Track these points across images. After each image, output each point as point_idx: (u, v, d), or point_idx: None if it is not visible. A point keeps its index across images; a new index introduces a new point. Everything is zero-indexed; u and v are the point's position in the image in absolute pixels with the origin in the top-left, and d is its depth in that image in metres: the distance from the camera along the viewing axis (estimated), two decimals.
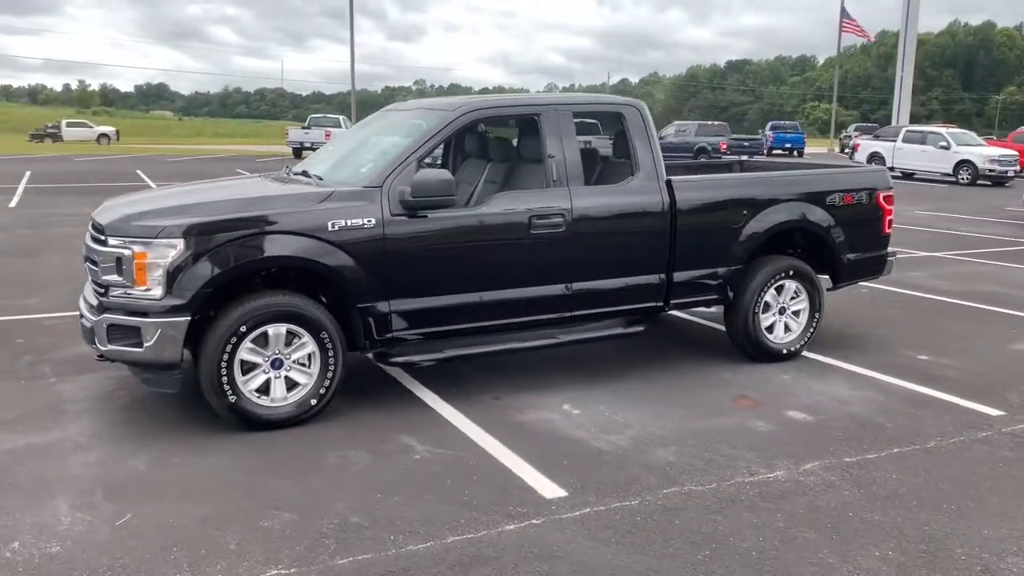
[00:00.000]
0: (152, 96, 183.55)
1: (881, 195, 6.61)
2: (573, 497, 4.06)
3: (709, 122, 34.02)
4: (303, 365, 4.91)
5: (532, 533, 3.70)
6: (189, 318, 4.60)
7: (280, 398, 4.87)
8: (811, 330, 6.45)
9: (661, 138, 33.33)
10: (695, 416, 5.20)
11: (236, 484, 4.17)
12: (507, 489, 4.13)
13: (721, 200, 5.99)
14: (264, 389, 4.84)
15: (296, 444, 4.66)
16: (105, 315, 4.71)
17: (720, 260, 6.01)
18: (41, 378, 5.74)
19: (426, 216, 5.08)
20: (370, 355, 5.29)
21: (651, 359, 6.45)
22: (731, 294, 6.16)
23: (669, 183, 5.81)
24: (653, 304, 5.89)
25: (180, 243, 4.58)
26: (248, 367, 4.79)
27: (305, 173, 5.60)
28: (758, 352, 6.28)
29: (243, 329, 4.68)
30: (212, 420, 4.85)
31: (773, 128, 46.80)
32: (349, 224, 4.87)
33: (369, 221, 4.92)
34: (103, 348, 4.74)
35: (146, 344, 4.60)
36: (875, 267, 6.79)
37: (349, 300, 4.96)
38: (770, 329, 6.32)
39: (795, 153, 45.18)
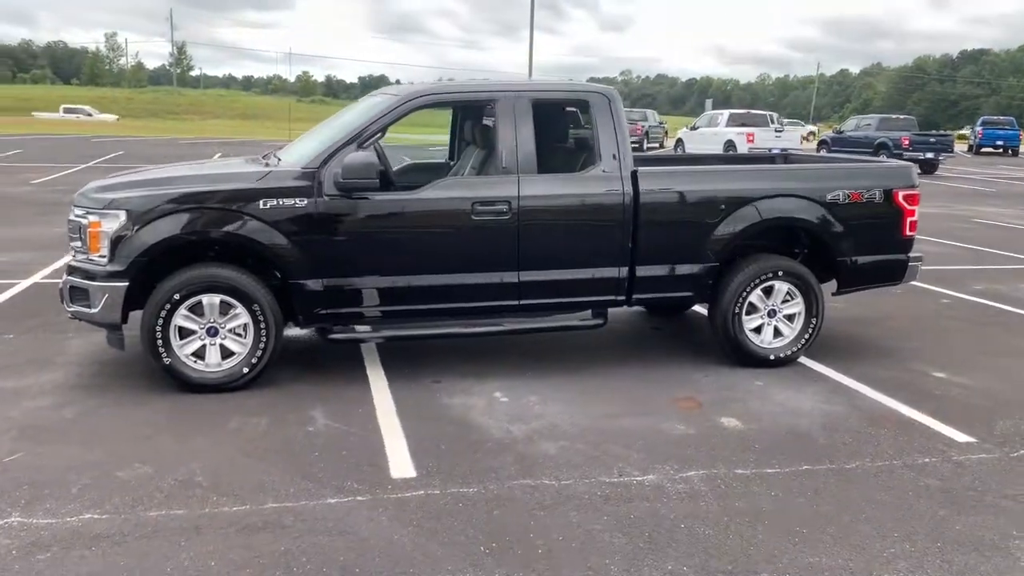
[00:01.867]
0: (373, 86, 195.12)
1: (900, 193, 6.01)
2: (418, 480, 4.09)
3: (893, 116, 31.49)
4: (239, 335, 5.22)
5: (346, 508, 3.79)
6: (127, 284, 5.03)
7: (214, 364, 5.20)
8: (807, 336, 5.99)
9: (839, 132, 31.47)
10: (617, 413, 5.04)
11: (132, 436, 4.54)
12: (362, 466, 4.23)
13: (693, 193, 5.70)
14: (201, 354, 5.20)
15: (214, 407, 4.98)
16: (68, 277, 5.25)
17: (692, 256, 5.73)
18: (59, 332, 6.43)
19: (367, 198, 5.23)
20: (311, 330, 5.52)
21: (625, 353, 6.27)
22: (707, 293, 5.87)
23: (634, 174, 5.60)
24: (612, 298, 5.71)
25: (123, 214, 5.02)
26: (186, 333, 5.16)
27: (275, 155, 5.90)
28: (740, 355, 5.93)
29: (177, 297, 5.05)
30: (163, 380, 5.25)
31: (984, 124, 42.70)
32: (281, 204, 5.12)
33: (301, 201, 5.14)
34: (68, 308, 5.28)
35: (94, 306, 5.08)
36: (891, 272, 6.19)
37: (283, 276, 5.21)
38: (758, 331, 5.95)
39: (1008, 152, 41.08)
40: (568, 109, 6.26)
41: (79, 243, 5.21)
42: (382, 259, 5.32)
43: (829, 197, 5.87)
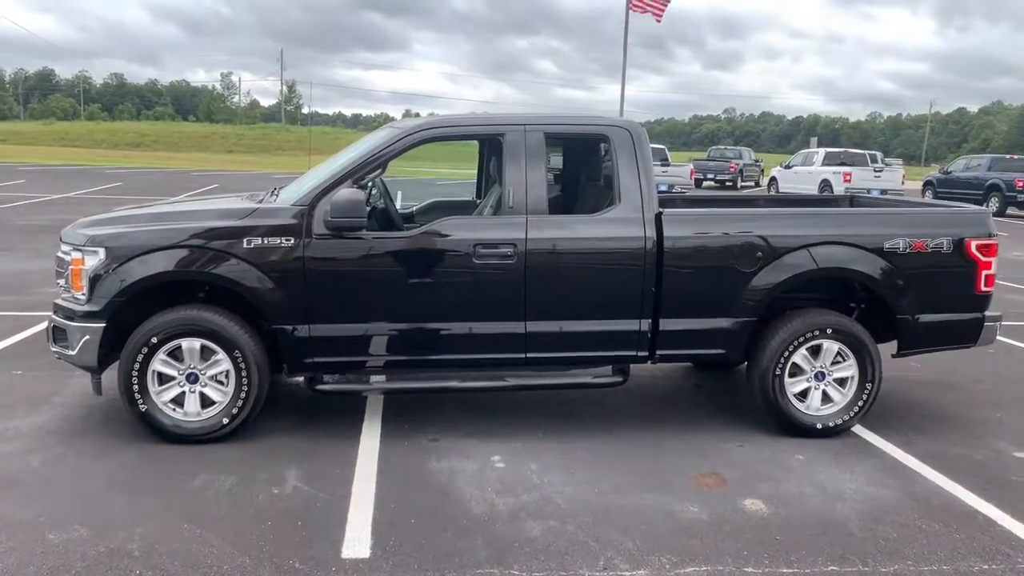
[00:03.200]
0: None
1: (973, 243, 5.22)
2: (368, 562, 3.59)
3: (1007, 156, 29.44)
4: (220, 383, 4.87)
5: None
6: (103, 325, 4.74)
7: (193, 413, 4.86)
8: (861, 403, 5.24)
9: (947, 172, 29.59)
10: (625, 488, 4.42)
11: (85, 492, 4.20)
12: (313, 541, 3.76)
13: (725, 239, 5.06)
14: (180, 401, 4.86)
15: (184, 460, 4.61)
16: (52, 316, 5.01)
17: (725, 309, 5.08)
18: (66, 370, 6.20)
19: (360, 238, 4.83)
20: (300, 380, 5.13)
21: (653, 413, 5.62)
22: (743, 350, 5.20)
23: (659, 216, 5.02)
24: (632, 353, 5.11)
25: (102, 252, 4.75)
26: (166, 379, 4.84)
27: (274, 191, 5.57)
28: (782, 423, 5.23)
29: (155, 340, 4.73)
30: (144, 429, 4.91)
31: None
32: (266, 243, 4.76)
33: (287, 240, 4.77)
34: (52, 348, 5.04)
35: (72, 347, 4.82)
36: (961, 333, 5.37)
37: (268, 320, 4.84)
38: (803, 396, 5.24)
39: None
40: (586, 145, 5.74)
41: (62, 280, 4.98)
42: (375, 304, 4.89)
43: (887, 246, 5.13)
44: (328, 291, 4.83)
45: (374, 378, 5.07)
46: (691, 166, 31.85)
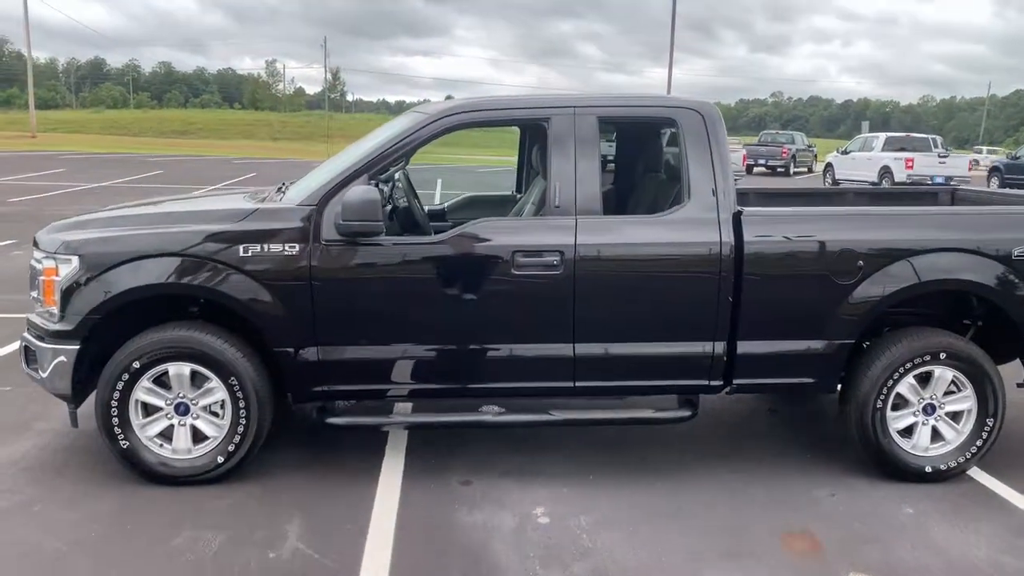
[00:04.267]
0: None
1: None
2: None
3: None
4: (214, 415, 4.13)
5: None
6: (77, 346, 4.03)
7: (183, 450, 4.13)
8: (980, 442, 4.34)
9: (1015, 158, 27.95)
10: (697, 552, 3.59)
11: (45, 552, 3.49)
12: None
13: (819, 244, 4.18)
14: (169, 435, 4.14)
15: (170, 510, 3.88)
16: (24, 334, 4.32)
17: (816, 329, 4.21)
18: None
19: (379, 244, 4.04)
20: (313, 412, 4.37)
21: (724, 449, 4.76)
22: (836, 379, 4.33)
23: (738, 217, 4.16)
24: (703, 382, 4.27)
25: (75, 260, 4.03)
26: (152, 410, 4.12)
27: (282, 188, 4.80)
28: (883, 465, 4.35)
29: (137, 365, 4.01)
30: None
31: None
32: (267, 250, 3.99)
33: (292, 247, 4.00)
34: (24, 370, 4.35)
35: (42, 369, 4.12)
36: None
37: (268, 342, 4.09)
38: (908, 433, 4.36)
39: None
40: (647, 131, 4.88)
41: (34, 291, 4.27)
42: (395, 323, 4.10)
43: (1016, 252, 4.21)
44: (340, 307, 4.05)
45: (395, 409, 4.29)
46: (743, 151, 30.58)
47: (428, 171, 25.02)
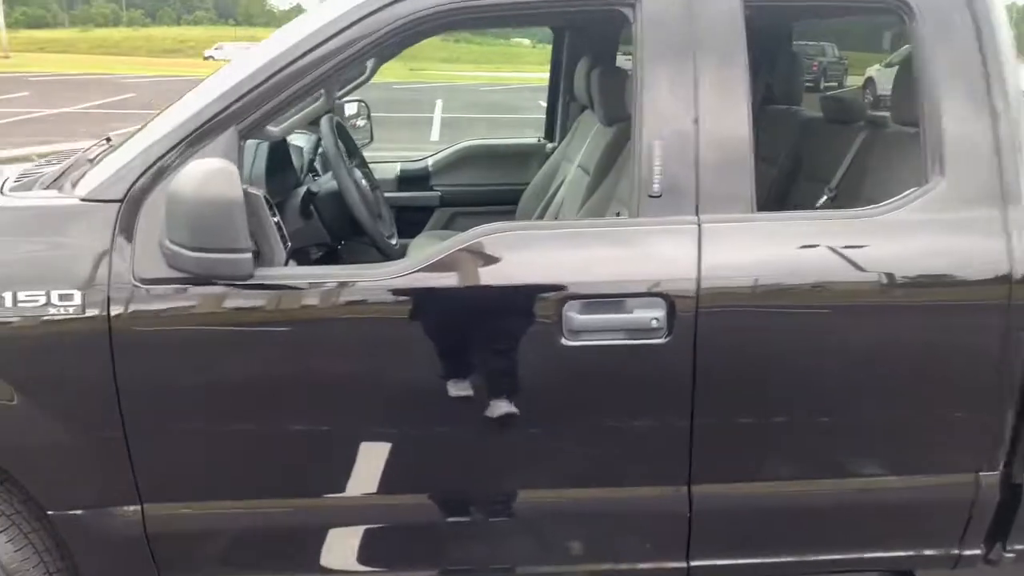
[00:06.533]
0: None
1: None
2: None
3: None
4: None
5: None
6: None
7: None
8: None
9: None
10: None
11: None
12: None
13: None
14: None
15: None
16: None
17: None
18: None
19: (271, 287, 1.80)
20: None
21: None
22: None
23: None
24: (953, 552, 2.08)
25: None
26: None
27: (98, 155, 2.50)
28: None
29: None
30: None
31: None
32: (15, 308, 1.77)
33: (66, 300, 1.77)
34: None
35: None
36: None
37: (37, 499, 1.90)
38: None
39: None
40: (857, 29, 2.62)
41: None
42: (314, 463, 1.91)
43: None
44: (179, 422, 1.85)
45: None
46: None
47: (414, 91, 22.47)
